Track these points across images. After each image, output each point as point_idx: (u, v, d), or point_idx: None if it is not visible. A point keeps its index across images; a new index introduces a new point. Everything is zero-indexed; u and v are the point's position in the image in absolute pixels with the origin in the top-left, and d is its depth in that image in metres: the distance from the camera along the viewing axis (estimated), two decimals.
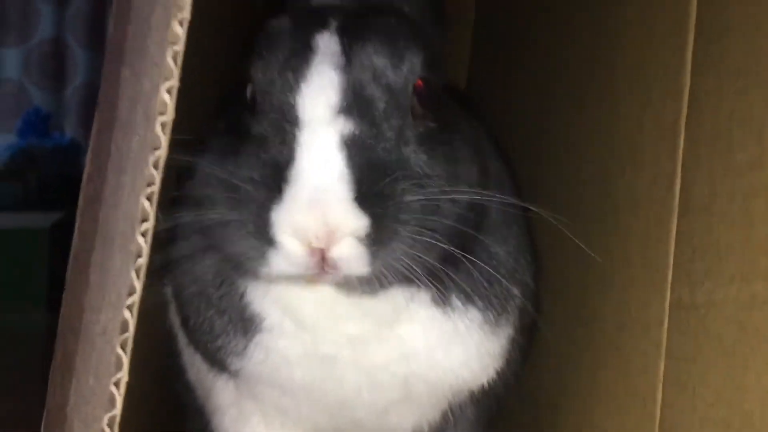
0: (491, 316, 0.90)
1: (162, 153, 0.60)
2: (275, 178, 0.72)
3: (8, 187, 3.60)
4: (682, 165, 0.80)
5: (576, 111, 1.10)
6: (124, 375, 0.59)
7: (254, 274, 0.78)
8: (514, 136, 1.31)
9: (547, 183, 1.19)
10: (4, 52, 3.94)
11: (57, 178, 3.60)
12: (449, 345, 0.89)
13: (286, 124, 0.75)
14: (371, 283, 0.76)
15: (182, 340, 1.00)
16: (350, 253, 0.71)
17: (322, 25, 0.81)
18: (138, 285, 0.60)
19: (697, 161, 0.77)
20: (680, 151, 0.81)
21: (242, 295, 0.88)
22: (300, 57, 0.78)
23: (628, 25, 0.95)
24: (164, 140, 0.60)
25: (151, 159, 0.59)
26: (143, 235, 0.60)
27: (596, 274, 0.99)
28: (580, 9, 1.13)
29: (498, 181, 0.96)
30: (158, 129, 0.59)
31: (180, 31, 0.59)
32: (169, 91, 0.59)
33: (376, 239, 0.71)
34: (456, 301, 0.87)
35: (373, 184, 0.72)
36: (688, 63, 0.81)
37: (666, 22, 0.86)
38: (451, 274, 0.79)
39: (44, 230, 3.04)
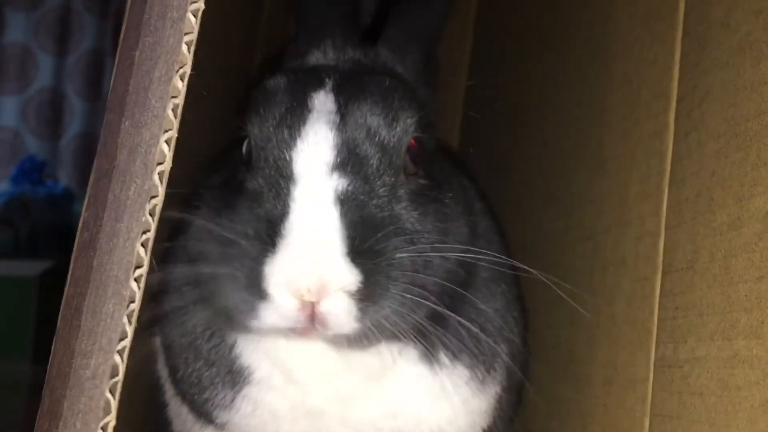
0: (478, 374, 0.90)
1: (159, 201, 0.62)
2: (269, 232, 0.73)
3: None
4: (666, 224, 0.82)
5: (565, 171, 1.13)
6: (112, 419, 0.59)
7: (245, 328, 0.78)
8: (504, 196, 1.33)
9: (536, 242, 1.20)
10: (2, 100, 3.98)
11: (49, 227, 3.59)
12: (436, 402, 0.89)
13: (281, 179, 0.76)
14: (360, 339, 0.76)
15: (169, 391, 1.00)
16: (340, 308, 0.71)
17: (318, 84, 0.84)
18: (129, 330, 0.61)
19: (680, 220, 0.79)
20: (664, 211, 0.83)
21: (232, 348, 0.88)
22: (296, 114, 0.80)
23: (614, 90, 0.99)
24: (161, 189, 0.62)
25: (148, 207, 0.61)
26: (137, 281, 0.61)
27: (584, 331, 1.00)
28: (568, 74, 1.17)
29: (487, 239, 0.97)
30: (156, 178, 0.61)
31: (181, 84, 0.61)
32: (167, 142, 0.61)
33: (366, 295, 0.72)
34: (443, 358, 0.88)
35: (365, 239, 0.73)
36: (671, 126, 0.84)
37: (650, 87, 0.89)
38: (438, 331, 0.80)
39: (33, 278, 3.03)
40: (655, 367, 0.81)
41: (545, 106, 1.25)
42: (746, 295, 0.67)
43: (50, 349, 0.68)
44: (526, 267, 0.88)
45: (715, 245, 0.72)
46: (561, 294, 1.08)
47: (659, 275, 0.82)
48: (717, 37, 0.76)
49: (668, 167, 0.83)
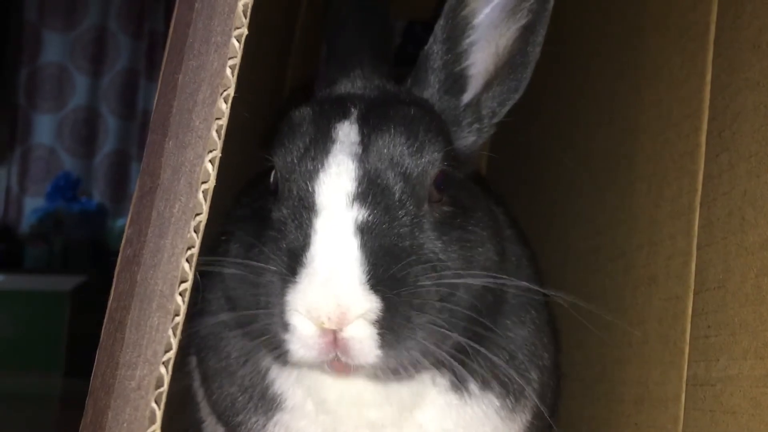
0: (508, 402, 0.90)
1: (203, 218, 0.64)
2: (291, 264, 0.75)
3: (33, 249, 3.68)
4: (697, 243, 0.82)
5: (596, 191, 1.13)
6: (157, 428, 0.60)
7: (285, 364, 0.80)
8: (535, 215, 1.33)
9: (567, 261, 1.21)
10: (38, 118, 4.08)
11: (82, 242, 3.66)
12: (466, 431, 0.89)
13: (304, 210, 0.78)
14: (386, 371, 0.77)
15: (204, 408, 1.01)
16: (361, 335, 0.72)
17: (342, 115, 0.85)
18: (174, 342, 0.63)
19: (712, 240, 0.79)
20: (695, 230, 0.83)
21: (265, 375, 0.90)
22: (320, 146, 0.81)
23: (645, 111, 0.99)
24: (206, 206, 0.64)
25: (193, 224, 0.63)
26: (181, 294, 0.63)
27: (615, 350, 1.00)
28: (599, 94, 1.18)
29: (516, 265, 0.96)
30: (200, 196, 0.63)
31: (224, 107, 0.63)
32: (211, 161, 0.63)
33: (388, 324, 0.72)
34: (473, 387, 0.88)
35: (386, 268, 0.74)
36: (702, 146, 0.84)
37: (681, 107, 0.89)
38: (467, 361, 0.80)
39: (66, 293, 3.08)
40: (687, 385, 0.81)
41: (576, 126, 1.26)
42: None
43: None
44: (554, 293, 0.88)
45: (747, 264, 0.72)
46: (591, 313, 1.08)
47: (691, 294, 0.82)
48: (748, 58, 0.77)
49: (699, 187, 0.84)
